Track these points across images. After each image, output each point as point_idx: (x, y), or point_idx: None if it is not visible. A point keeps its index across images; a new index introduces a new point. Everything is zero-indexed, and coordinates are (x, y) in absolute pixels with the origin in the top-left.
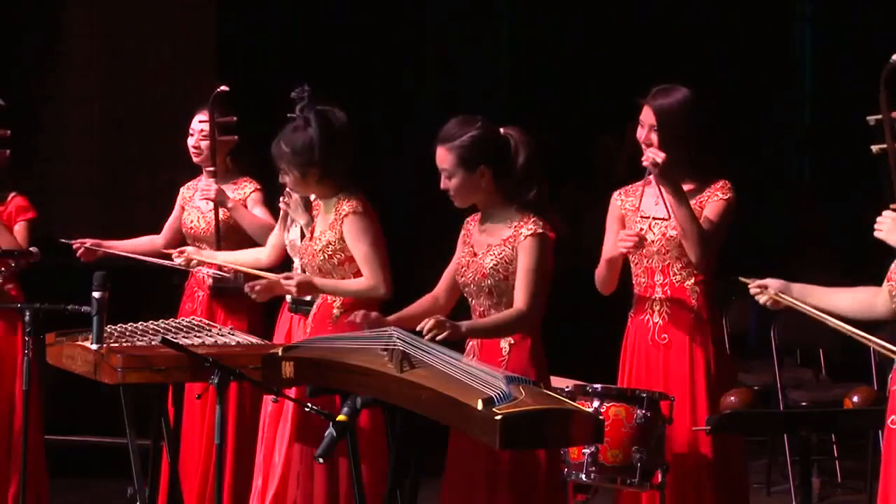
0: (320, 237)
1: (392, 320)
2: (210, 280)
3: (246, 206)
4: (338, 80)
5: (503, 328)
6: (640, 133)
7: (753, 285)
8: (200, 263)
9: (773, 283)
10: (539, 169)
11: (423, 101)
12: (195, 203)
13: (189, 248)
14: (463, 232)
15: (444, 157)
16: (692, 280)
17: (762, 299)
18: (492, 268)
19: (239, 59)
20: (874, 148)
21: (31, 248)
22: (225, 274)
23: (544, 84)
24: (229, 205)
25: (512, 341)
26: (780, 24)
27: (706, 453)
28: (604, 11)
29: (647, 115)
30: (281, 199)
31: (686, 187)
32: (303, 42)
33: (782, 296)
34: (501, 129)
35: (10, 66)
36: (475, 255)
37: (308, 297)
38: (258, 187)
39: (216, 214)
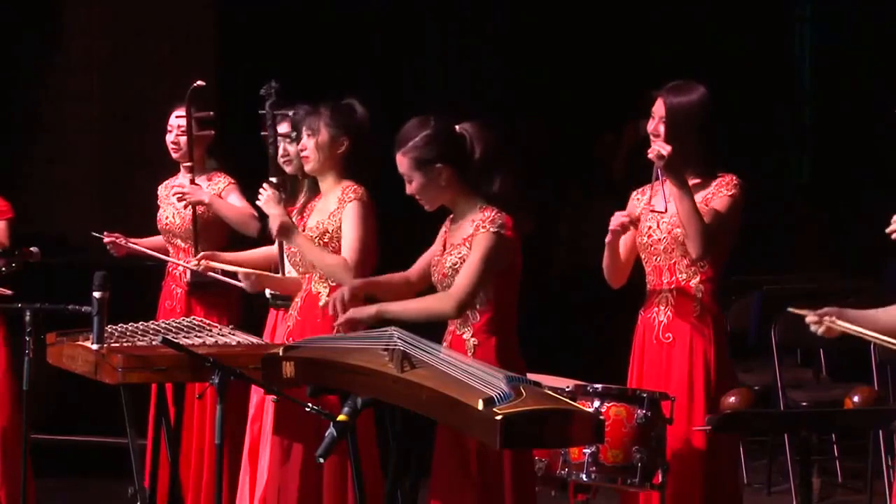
0: (316, 227)
1: (361, 283)
2: (188, 276)
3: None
4: (337, 79)
5: (419, 310)
6: (651, 124)
7: (812, 318)
8: (215, 269)
9: (829, 312)
10: (500, 161)
11: (421, 100)
12: (170, 200)
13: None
14: (441, 230)
15: (401, 162)
16: (698, 278)
17: (819, 330)
18: (450, 266)
19: (239, 58)
20: None
21: (31, 248)
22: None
23: (543, 84)
24: (206, 200)
25: (476, 342)
26: (780, 24)
27: (700, 453)
28: (603, 12)
29: (659, 108)
30: (261, 188)
31: (691, 182)
32: (302, 42)
33: (837, 322)
34: (457, 126)
35: (10, 66)
36: (443, 253)
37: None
38: (232, 181)
39: (193, 212)
